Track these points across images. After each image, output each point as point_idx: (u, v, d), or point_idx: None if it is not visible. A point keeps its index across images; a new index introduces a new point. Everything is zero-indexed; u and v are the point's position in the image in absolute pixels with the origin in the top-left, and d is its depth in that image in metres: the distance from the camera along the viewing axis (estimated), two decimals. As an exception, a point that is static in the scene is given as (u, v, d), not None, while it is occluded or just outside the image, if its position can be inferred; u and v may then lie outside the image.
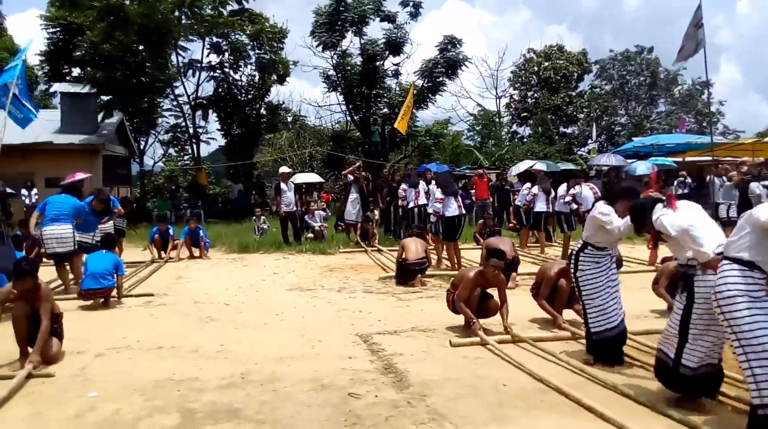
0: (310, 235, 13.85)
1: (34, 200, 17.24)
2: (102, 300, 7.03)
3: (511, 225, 14.29)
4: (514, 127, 37.09)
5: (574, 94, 35.57)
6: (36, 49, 23.38)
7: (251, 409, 3.71)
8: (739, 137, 32.65)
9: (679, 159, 19.81)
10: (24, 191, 17.68)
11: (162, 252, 11.62)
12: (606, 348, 4.52)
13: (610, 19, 68.81)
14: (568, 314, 5.76)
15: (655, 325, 5.43)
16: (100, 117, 22.05)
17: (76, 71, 23.20)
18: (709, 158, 16.48)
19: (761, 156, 17.60)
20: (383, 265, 10.18)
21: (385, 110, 25.00)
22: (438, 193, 9.40)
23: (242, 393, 4.01)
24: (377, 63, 24.51)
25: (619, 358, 4.54)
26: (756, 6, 76.58)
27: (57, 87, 23.68)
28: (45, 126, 21.83)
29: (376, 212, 15.09)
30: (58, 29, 22.52)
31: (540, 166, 17.23)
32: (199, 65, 24.85)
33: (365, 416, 3.57)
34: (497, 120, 35.05)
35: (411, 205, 11.84)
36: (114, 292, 7.19)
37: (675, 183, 16.11)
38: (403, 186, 12.51)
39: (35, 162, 20.04)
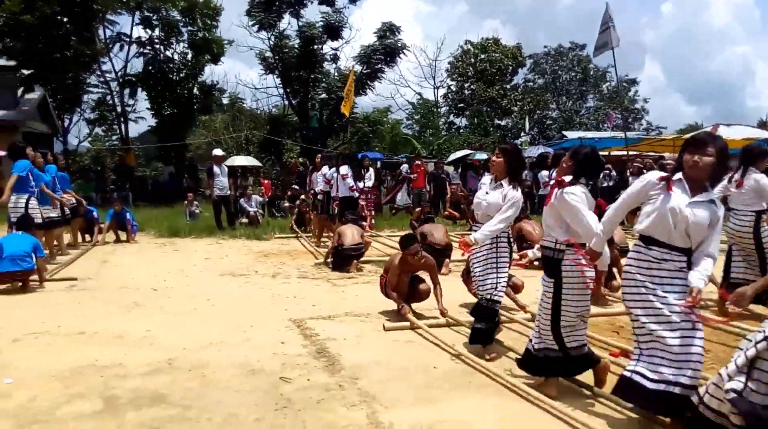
0: (245, 220, 13.60)
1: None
2: (20, 283, 6.66)
3: (446, 213, 14.55)
4: (452, 117, 37.69)
5: (508, 87, 36.48)
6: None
7: (177, 395, 3.63)
8: (661, 133, 34.49)
9: (605, 153, 20.73)
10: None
11: (86, 235, 11.13)
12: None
13: (544, 16, 70.77)
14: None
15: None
16: (20, 92, 20.77)
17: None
18: (634, 153, 17.46)
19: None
20: (316, 251, 10.14)
21: (324, 95, 24.84)
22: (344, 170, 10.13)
23: (168, 379, 3.91)
24: (315, 47, 24.25)
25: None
26: (680, 8, 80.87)
27: (-28, 59, 22.08)
28: (-44, 99, 20.40)
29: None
30: (-26, -4, 20.97)
31: (479, 156, 17.63)
32: (127, 40, 23.81)
33: (296, 400, 3.57)
34: (435, 110, 35.49)
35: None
36: (34, 276, 6.83)
37: (600, 175, 16.90)
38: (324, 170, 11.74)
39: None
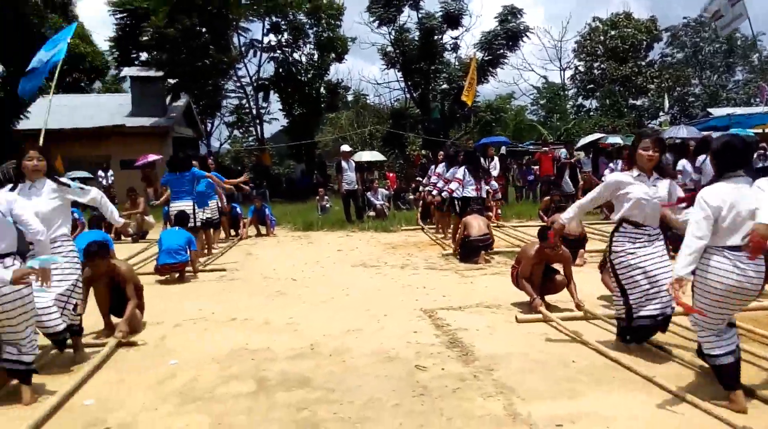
0: (372, 213, 13.96)
1: (110, 181, 18.15)
2: (177, 274, 7.37)
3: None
4: (580, 99, 35.94)
5: (643, 63, 34.06)
6: (105, 35, 24.44)
7: (320, 379, 3.83)
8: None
9: (759, 130, 18.66)
10: (101, 173, 18.61)
11: (231, 230, 12.03)
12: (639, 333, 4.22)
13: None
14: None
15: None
16: (168, 100, 22.83)
17: (144, 56, 24.07)
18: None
19: None
20: (439, 242, 10.17)
21: (444, 86, 24.72)
22: (459, 174, 9.39)
23: (312, 363, 4.14)
24: (435, 37, 24.19)
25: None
26: None
27: (126, 71, 24.64)
28: (118, 110, 22.86)
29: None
30: (126, 15, 23.36)
31: (612, 140, 16.64)
32: (259, 46, 25.28)
33: (432, 388, 3.62)
34: (562, 93, 34.03)
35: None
36: (189, 267, 7.53)
37: (755, 155, 15.24)
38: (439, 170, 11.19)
39: (110, 145, 21.06)
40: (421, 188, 13.85)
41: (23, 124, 19.21)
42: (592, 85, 34.64)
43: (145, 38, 21.51)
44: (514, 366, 3.98)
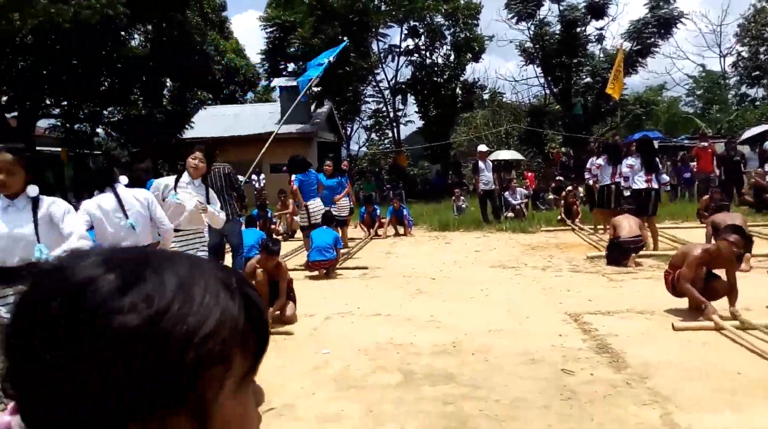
0: (510, 213, 13.74)
1: (262, 184, 19.65)
2: (325, 271, 7.83)
3: (744, 198, 12.58)
4: (744, 88, 32.44)
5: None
6: (257, 48, 26.60)
7: (465, 376, 3.89)
8: None
9: None
10: (254, 176, 20.18)
11: (370, 229, 12.49)
12: None
13: None
14: None
15: None
16: (312, 107, 24.21)
17: (291, 66, 25.74)
18: None
19: None
20: (591, 243, 9.76)
21: (588, 80, 23.66)
22: (631, 160, 8.88)
23: (456, 360, 4.21)
24: (578, 29, 23.21)
25: None
26: None
27: (276, 82, 26.51)
28: (269, 118, 24.64)
29: (581, 189, 14.45)
30: (275, 28, 25.12)
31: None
32: (397, 50, 25.92)
33: (581, 392, 3.53)
34: (723, 82, 30.98)
35: (607, 181, 10.47)
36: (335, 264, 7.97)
37: None
38: (599, 161, 10.98)
39: (261, 150, 22.73)
40: (569, 189, 13.44)
41: (188, 133, 21.47)
42: (758, 72, 31.12)
43: (291, 50, 23.00)
44: (671, 375, 3.76)
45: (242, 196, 9.59)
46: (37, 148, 17.73)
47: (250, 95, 35.02)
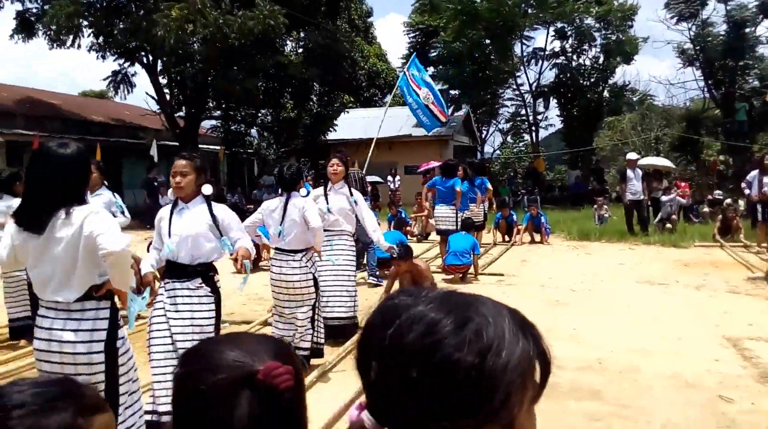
0: (666, 223, 12.83)
1: (397, 185, 20.18)
2: (461, 275, 7.93)
3: None
4: None
5: None
6: (396, 51, 27.30)
7: (611, 394, 3.80)
8: None
9: None
10: (389, 178, 20.80)
11: (506, 236, 12.35)
12: None
13: None
14: None
15: None
16: (450, 110, 24.36)
17: (431, 70, 26.06)
18: None
19: None
20: (748, 264, 8.92)
21: (755, 83, 21.48)
22: None
23: (600, 378, 4.12)
24: (747, 30, 21.15)
25: None
26: None
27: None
28: (406, 121, 25.26)
29: (741, 202, 13.20)
30: (417, 33, 25.59)
31: None
32: (542, 53, 25.27)
33: (741, 422, 3.33)
34: None
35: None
36: (471, 269, 8.03)
37: None
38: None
39: (398, 152, 23.38)
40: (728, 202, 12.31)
41: (331, 135, 22.62)
42: None
43: (433, 54, 23.33)
44: None
45: (376, 196, 10.03)
46: (200, 145, 19.70)
47: (388, 98, 35.95)
